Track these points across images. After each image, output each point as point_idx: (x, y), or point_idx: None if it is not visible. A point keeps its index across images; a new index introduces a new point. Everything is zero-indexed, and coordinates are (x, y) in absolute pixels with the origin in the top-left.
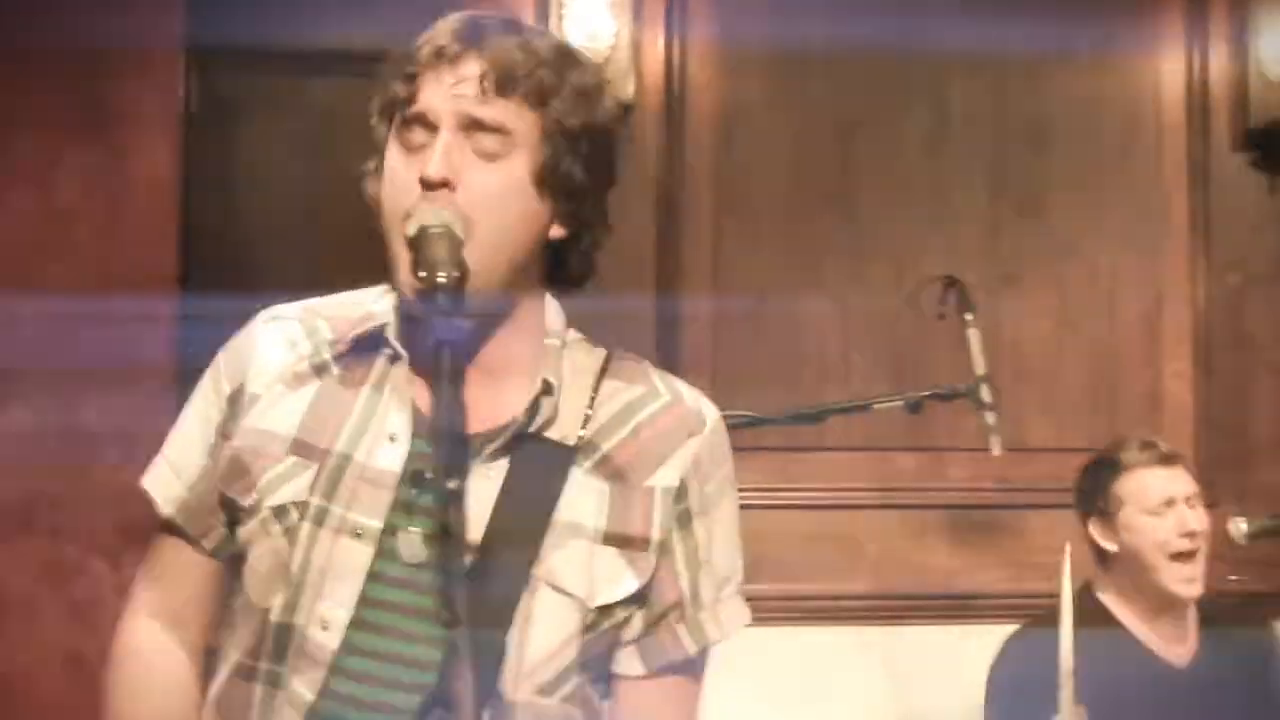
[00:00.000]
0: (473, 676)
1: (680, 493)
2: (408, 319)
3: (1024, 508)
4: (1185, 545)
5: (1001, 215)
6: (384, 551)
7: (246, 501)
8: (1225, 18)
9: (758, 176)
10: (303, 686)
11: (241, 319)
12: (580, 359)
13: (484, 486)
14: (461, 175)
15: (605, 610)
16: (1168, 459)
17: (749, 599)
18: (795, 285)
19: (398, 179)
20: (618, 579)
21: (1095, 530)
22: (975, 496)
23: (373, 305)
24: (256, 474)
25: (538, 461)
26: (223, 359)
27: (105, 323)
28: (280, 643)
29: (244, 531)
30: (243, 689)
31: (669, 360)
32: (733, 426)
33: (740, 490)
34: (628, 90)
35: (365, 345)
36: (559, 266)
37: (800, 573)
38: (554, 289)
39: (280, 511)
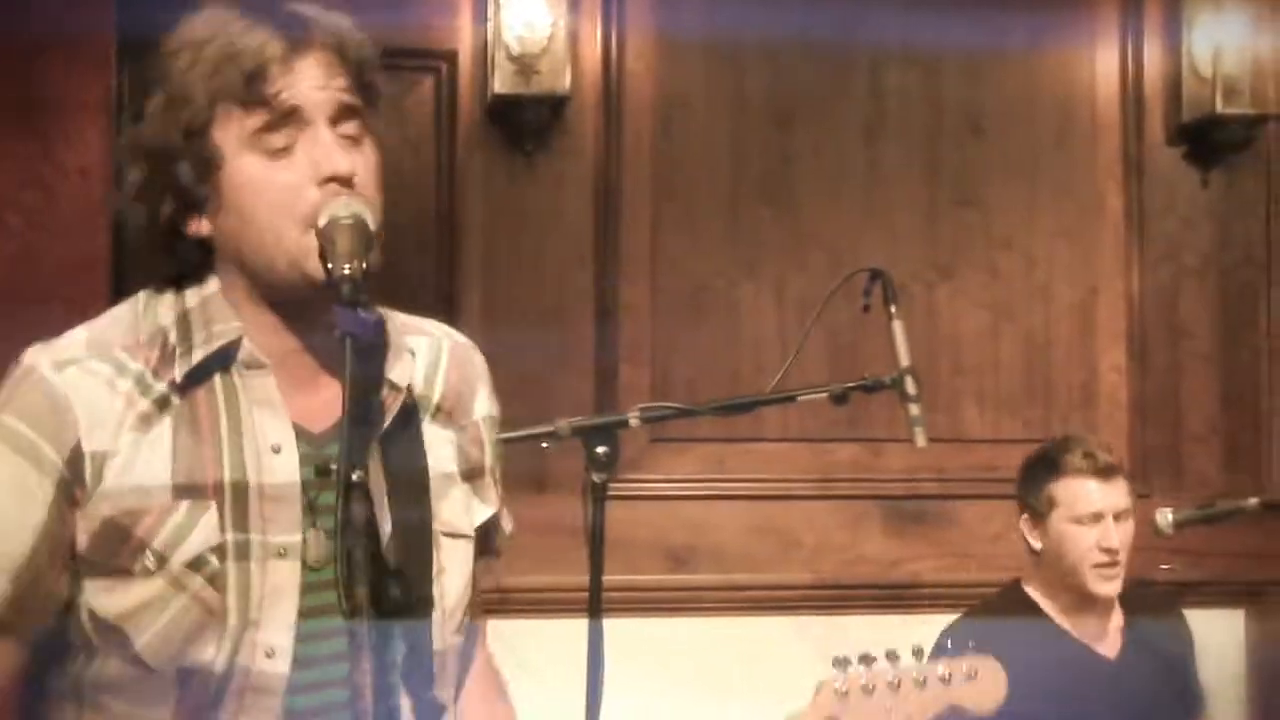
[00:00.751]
0: (372, 664)
1: (492, 419)
2: (281, 315)
3: (960, 498)
4: (1104, 559)
5: (938, 206)
6: (303, 562)
7: (137, 566)
8: (1159, 12)
9: (696, 167)
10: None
11: None
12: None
13: (372, 466)
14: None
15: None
16: (1105, 471)
17: (688, 589)
18: (733, 275)
19: (274, 184)
20: (479, 511)
21: (1025, 526)
22: (912, 487)
23: (159, 318)
24: (146, 533)
25: (400, 429)
26: (21, 423)
27: (37, 312)
28: (219, 692)
29: (122, 598)
30: None
31: (607, 349)
32: (660, 418)
33: (678, 481)
34: (564, 82)
35: (210, 365)
36: None
37: (738, 563)
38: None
39: (197, 563)
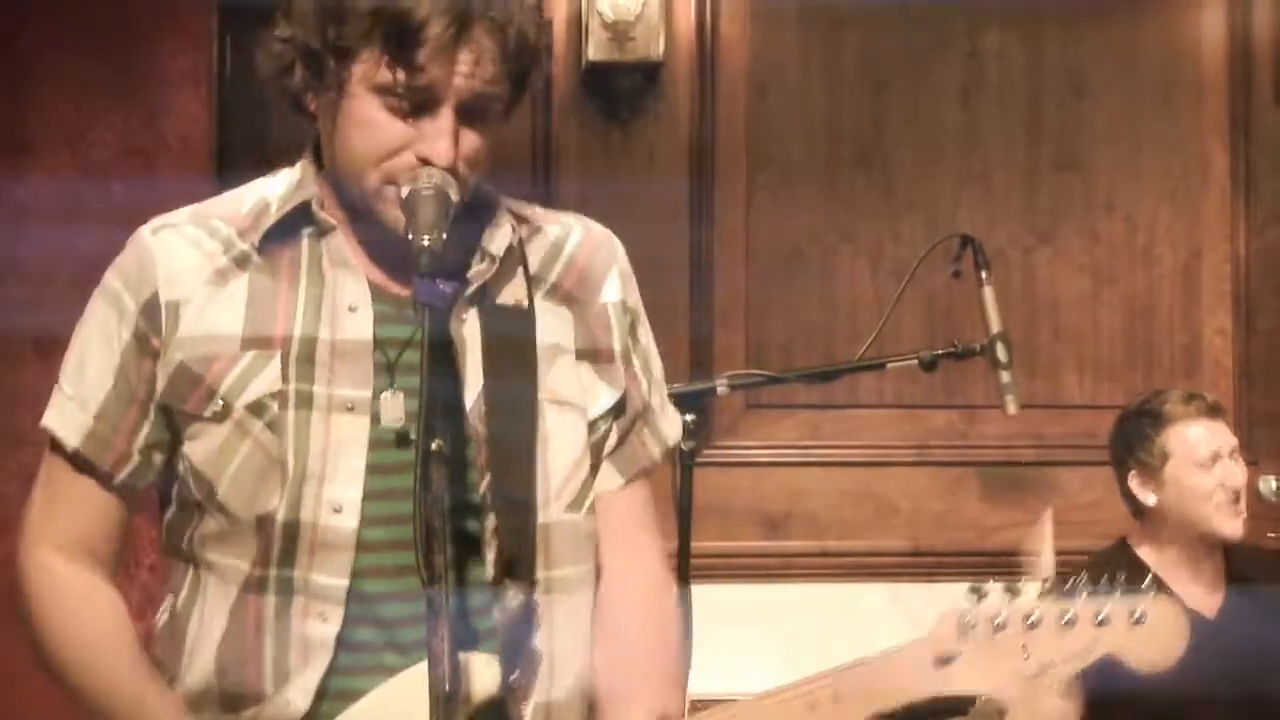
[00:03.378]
0: (449, 622)
1: (623, 305)
2: (344, 194)
3: (1059, 464)
4: (1229, 498)
5: (1037, 170)
6: (373, 418)
7: (208, 411)
8: None
9: (790, 132)
10: (331, 577)
11: None
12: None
13: (469, 332)
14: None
15: (592, 425)
16: (1213, 411)
17: (783, 555)
18: (828, 240)
19: (378, 135)
20: (599, 393)
21: (1135, 483)
22: (1009, 453)
23: (265, 191)
24: (214, 379)
25: (503, 300)
26: (114, 278)
27: None
28: (290, 542)
29: (205, 444)
30: (243, 605)
31: (703, 317)
32: (747, 386)
33: (774, 447)
34: (658, 49)
35: (287, 226)
36: None
37: (833, 529)
38: None
39: (258, 407)
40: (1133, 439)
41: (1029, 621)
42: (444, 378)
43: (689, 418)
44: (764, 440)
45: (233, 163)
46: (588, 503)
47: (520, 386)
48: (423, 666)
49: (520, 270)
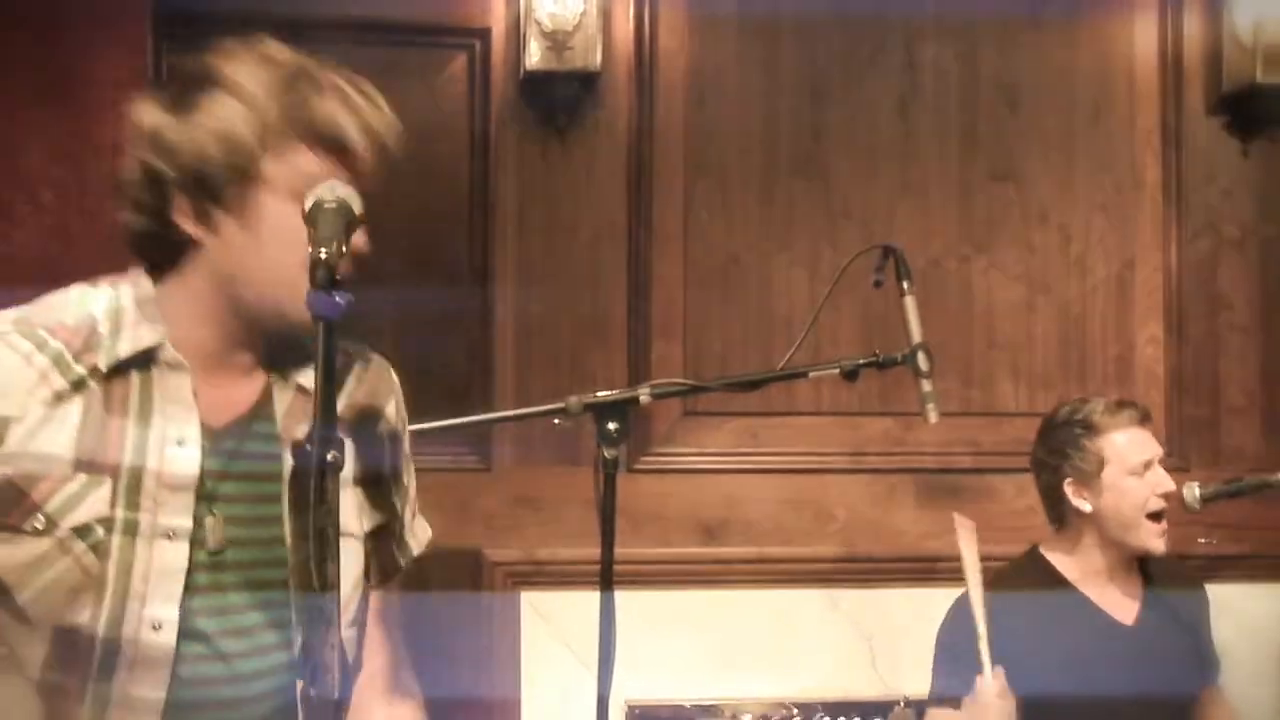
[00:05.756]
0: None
1: (395, 433)
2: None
3: (993, 471)
4: (1161, 505)
5: (973, 180)
6: (195, 543)
7: (27, 525)
8: None
9: (728, 141)
10: (148, 690)
11: None
12: None
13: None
14: None
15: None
16: (1144, 418)
17: (720, 561)
18: (766, 249)
19: (300, 242)
20: (371, 515)
21: (1071, 490)
22: (944, 460)
23: (91, 308)
24: (40, 497)
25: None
26: None
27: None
28: (108, 656)
29: (12, 552)
30: (59, 708)
31: (639, 323)
32: (669, 395)
33: (710, 454)
34: (596, 58)
35: (132, 362)
36: None
37: (770, 536)
38: None
39: (84, 530)
40: (1068, 447)
41: None
42: (336, 494)
43: (612, 426)
44: (701, 447)
45: None
46: (356, 618)
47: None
48: None
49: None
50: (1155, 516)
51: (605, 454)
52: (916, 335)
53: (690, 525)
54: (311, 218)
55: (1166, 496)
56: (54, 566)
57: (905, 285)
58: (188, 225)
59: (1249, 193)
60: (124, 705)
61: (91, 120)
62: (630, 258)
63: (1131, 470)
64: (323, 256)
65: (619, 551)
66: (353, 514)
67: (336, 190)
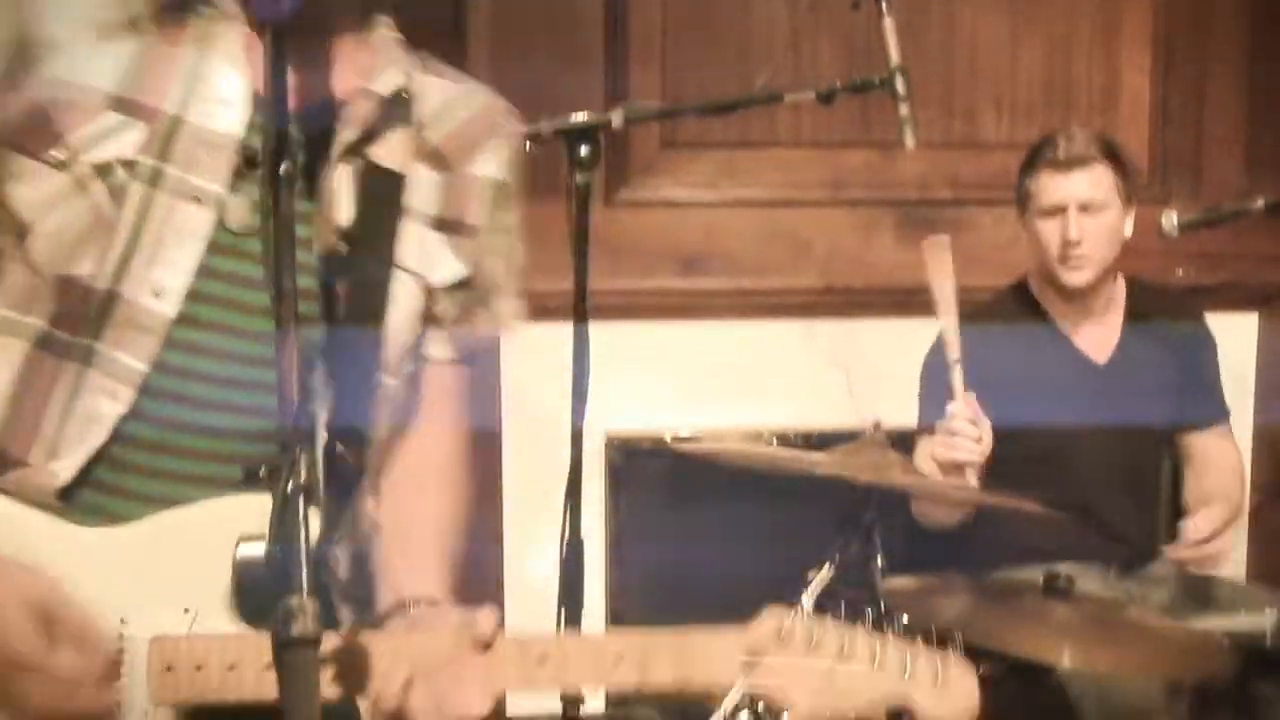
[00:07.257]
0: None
1: (500, 183)
2: None
3: (974, 203)
4: (1065, 252)
5: None
6: (219, 216)
7: (49, 156)
8: None
9: None
10: (131, 358)
11: None
12: (397, 54)
13: (339, 185)
14: None
15: (433, 293)
16: (1066, 164)
17: (698, 293)
18: None
19: None
20: (447, 263)
21: (1020, 221)
22: (925, 192)
23: None
24: (65, 127)
25: (376, 157)
26: None
27: None
28: (102, 313)
29: (31, 187)
30: (36, 365)
31: (618, 50)
32: (642, 118)
33: (689, 186)
34: None
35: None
36: None
37: (749, 268)
38: None
39: (105, 169)
40: (1019, 179)
41: (843, 652)
42: (289, 212)
43: (584, 150)
44: (679, 179)
45: None
46: (405, 370)
47: (382, 244)
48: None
49: (400, 123)
50: (1066, 259)
51: (577, 179)
52: (895, 58)
53: (668, 258)
54: None
55: (1071, 244)
56: (70, 206)
57: (884, 6)
58: None
59: None
60: (103, 368)
61: None
62: None
63: (1042, 211)
64: None
65: (597, 285)
66: (415, 249)
67: None
